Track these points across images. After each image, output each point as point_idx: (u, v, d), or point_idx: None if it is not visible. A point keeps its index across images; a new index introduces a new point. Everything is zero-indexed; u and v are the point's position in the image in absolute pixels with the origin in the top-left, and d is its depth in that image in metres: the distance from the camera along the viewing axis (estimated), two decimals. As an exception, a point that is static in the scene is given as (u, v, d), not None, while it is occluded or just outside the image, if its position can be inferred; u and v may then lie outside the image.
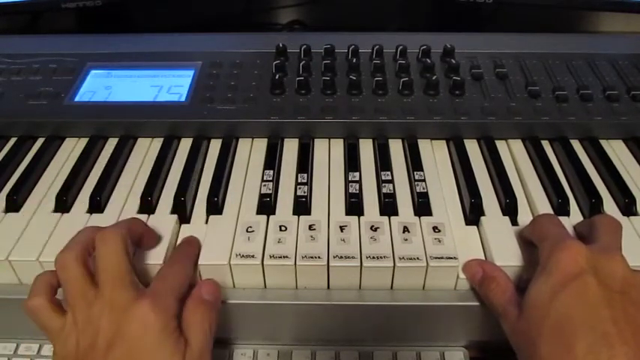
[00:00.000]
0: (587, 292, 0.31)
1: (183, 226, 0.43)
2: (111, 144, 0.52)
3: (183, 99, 0.54)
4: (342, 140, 0.52)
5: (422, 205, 0.44)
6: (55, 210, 0.45)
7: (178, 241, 0.41)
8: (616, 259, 0.33)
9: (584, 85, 0.54)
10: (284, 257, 0.39)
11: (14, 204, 0.45)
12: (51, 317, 0.34)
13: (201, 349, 0.33)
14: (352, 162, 0.49)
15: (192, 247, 0.40)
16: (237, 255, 0.39)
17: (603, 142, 0.52)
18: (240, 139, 0.52)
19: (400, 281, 0.40)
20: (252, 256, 0.39)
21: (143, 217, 0.43)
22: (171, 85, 0.56)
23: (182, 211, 0.44)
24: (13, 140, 0.53)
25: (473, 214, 0.44)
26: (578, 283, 0.32)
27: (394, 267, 0.39)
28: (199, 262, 0.39)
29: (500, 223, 0.43)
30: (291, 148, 0.51)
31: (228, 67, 0.58)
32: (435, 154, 0.50)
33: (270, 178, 0.47)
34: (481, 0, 0.66)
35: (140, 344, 0.31)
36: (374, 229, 0.41)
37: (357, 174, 0.47)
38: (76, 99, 0.55)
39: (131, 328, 0.32)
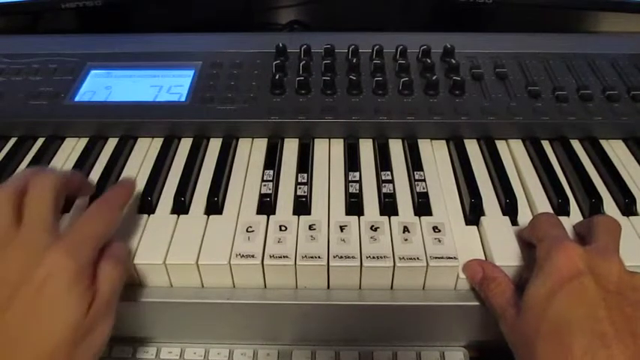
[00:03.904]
0: (584, 293, 0.31)
1: (182, 225, 0.43)
2: (111, 144, 0.52)
3: (183, 99, 0.54)
4: (342, 140, 0.52)
5: (422, 205, 0.44)
6: (55, 210, 0.45)
7: (177, 241, 0.41)
8: (612, 261, 0.33)
9: (584, 85, 0.54)
10: (284, 257, 0.39)
11: (14, 204, 0.45)
12: None
13: (108, 298, 0.33)
14: (352, 162, 0.49)
15: (122, 194, 0.39)
16: (237, 255, 0.39)
17: (603, 142, 0.52)
18: (240, 139, 0.52)
19: (400, 281, 0.40)
20: (252, 256, 0.39)
21: (143, 217, 0.43)
22: (171, 85, 0.56)
23: (182, 211, 0.44)
24: (13, 140, 0.53)
25: (473, 214, 0.44)
26: (575, 284, 0.32)
27: (394, 267, 0.39)
28: (200, 262, 0.39)
29: (500, 223, 0.43)
30: (291, 148, 0.51)
31: (228, 67, 0.58)
32: (435, 154, 0.50)
33: (270, 178, 0.47)
34: (481, 0, 0.66)
35: (47, 288, 0.31)
36: (374, 229, 0.41)
37: (357, 174, 0.47)
38: (76, 99, 0.55)
39: (40, 271, 0.31)
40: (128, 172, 0.49)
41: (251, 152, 0.51)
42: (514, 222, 0.43)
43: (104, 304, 0.33)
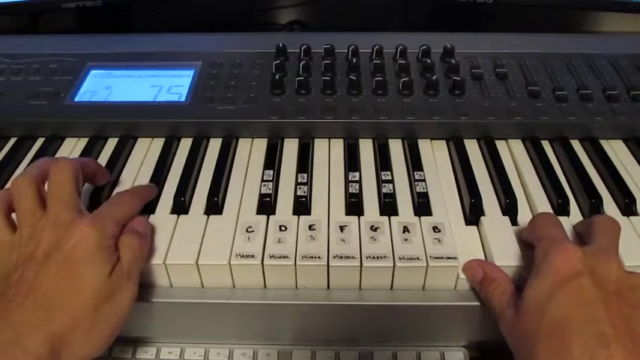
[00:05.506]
0: (583, 293, 0.32)
1: (182, 225, 0.43)
2: (111, 144, 0.52)
3: (183, 99, 0.54)
4: (342, 140, 0.52)
5: (422, 205, 0.44)
6: (55, 210, 0.45)
7: (177, 241, 0.41)
8: (611, 261, 0.33)
9: (584, 85, 0.54)
10: (284, 257, 0.39)
11: (14, 204, 0.45)
12: (1, 229, 0.37)
13: (129, 266, 0.36)
14: (352, 162, 0.49)
15: (146, 190, 0.44)
16: (237, 255, 0.39)
17: (603, 142, 0.52)
18: (240, 139, 0.52)
19: (400, 281, 0.40)
20: (252, 256, 0.39)
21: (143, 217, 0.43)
22: (171, 85, 0.56)
23: (182, 211, 0.44)
24: (13, 140, 0.53)
25: (473, 214, 0.44)
26: (574, 284, 0.32)
27: (394, 267, 0.39)
28: (200, 262, 0.39)
29: (500, 223, 0.43)
30: (291, 148, 0.51)
31: (228, 67, 0.58)
32: (435, 154, 0.50)
33: (270, 178, 0.47)
34: (481, 0, 0.66)
35: (75, 253, 0.34)
36: (374, 229, 0.41)
37: (357, 174, 0.47)
38: (76, 99, 0.55)
39: (69, 241, 0.34)
40: (128, 172, 0.49)
41: (251, 152, 0.51)
42: (514, 222, 0.43)
43: (125, 270, 0.36)
